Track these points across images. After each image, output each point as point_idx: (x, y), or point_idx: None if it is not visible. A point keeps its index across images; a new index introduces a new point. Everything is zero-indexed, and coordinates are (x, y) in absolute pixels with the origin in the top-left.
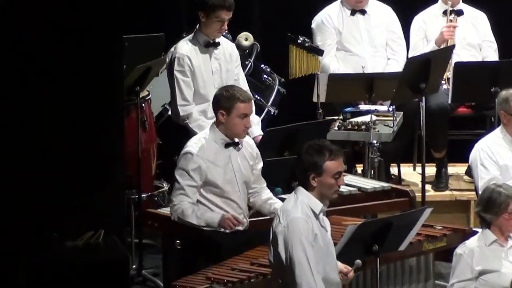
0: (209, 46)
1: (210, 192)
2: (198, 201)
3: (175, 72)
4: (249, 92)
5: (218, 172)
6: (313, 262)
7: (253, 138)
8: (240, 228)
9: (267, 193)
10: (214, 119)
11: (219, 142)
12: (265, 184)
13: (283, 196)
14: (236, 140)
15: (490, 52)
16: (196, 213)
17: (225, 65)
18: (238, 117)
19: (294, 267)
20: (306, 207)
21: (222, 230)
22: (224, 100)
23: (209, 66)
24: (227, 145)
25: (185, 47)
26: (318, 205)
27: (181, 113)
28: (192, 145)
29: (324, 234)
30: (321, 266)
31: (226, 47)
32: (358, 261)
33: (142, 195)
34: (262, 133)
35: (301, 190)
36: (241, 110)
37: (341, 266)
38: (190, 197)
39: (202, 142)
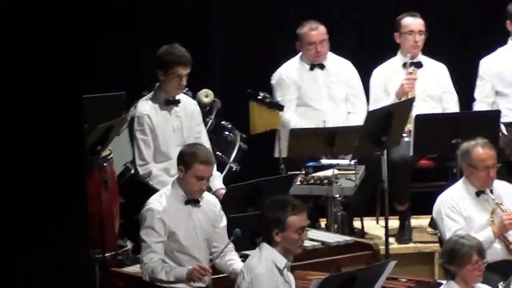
0: (169, 104)
1: (174, 250)
2: (164, 260)
3: (135, 132)
4: (212, 156)
5: (179, 229)
6: None
7: (215, 192)
8: (206, 279)
9: (232, 254)
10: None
11: (179, 199)
12: (231, 245)
13: (247, 252)
14: (197, 197)
15: (450, 103)
16: (165, 269)
17: (186, 122)
18: (194, 177)
19: None
20: (270, 263)
21: (192, 283)
22: (185, 157)
23: (170, 124)
24: (187, 202)
25: (145, 106)
26: (282, 261)
27: (141, 172)
28: (153, 202)
29: None
30: None
31: (187, 104)
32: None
33: (106, 254)
34: (223, 187)
35: (265, 246)
36: (199, 172)
37: None
38: (159, 253)
39: (163, 198)
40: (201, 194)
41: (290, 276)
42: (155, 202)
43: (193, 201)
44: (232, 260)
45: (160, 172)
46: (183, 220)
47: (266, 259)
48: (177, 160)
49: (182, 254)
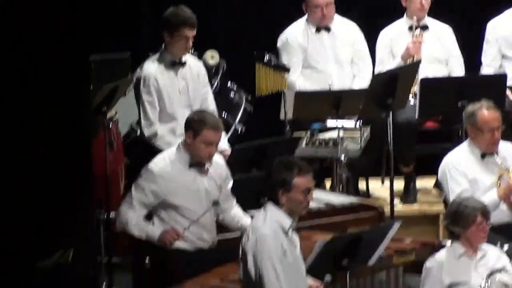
0: (175, 65)
1: (175, 212)
2: (163, 220)
3: (141, 93)
4: (221, 122)
5: (181, 192)
6: (282, 277)
7: (220, 152)
8: (182, 239)
9: (235, 209)
10: (182, 138)
11: (183, 163)
12: (234, 201)
13: (252, 212)
14: (201, 160)
15: (456, 66)
16: (138, 225)
17: (192, 84)
18: (203, 143)
19: (264, 283)
20: (275, 223)
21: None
22: (194, 123)
23: (176, 86)
24: (191, 166)
25: (151, 67)
26: (287, 221)
27: (146, 133)
28: (155, 163)
29: (293, 250)
30: (292, 281)
31: (193, 66)
32: (328, 276)
33: (110, 215)
34: (228, 148)
35: (270, 206)
36: (208, 138)
37: (311, 281)
38: (136, 211)
39: (166, 161)
40: (210, 159)
41: (295, 237)
42: (158, 165)
43: (197, 164)
44: (239, 216)
45: (165, 133)
46: (187, 184)
47: (271, 219)
48: (185, 126)
49: (183, 218)
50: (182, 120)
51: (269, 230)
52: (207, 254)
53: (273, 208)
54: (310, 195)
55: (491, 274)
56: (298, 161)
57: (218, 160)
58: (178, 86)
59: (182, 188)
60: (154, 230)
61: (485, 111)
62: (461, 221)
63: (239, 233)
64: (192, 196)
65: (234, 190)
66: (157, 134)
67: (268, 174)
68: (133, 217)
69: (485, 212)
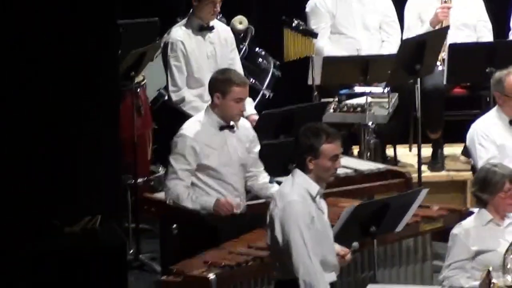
0: (203, 30)
1: (206, 175)
2: (194, 184)
3: (169, 58)
4: (242, 74)
5: (214, 155)
6: (310, 244)
7: (247, 117)
8: (237, 211)
9: (264, 177)
10: (210, 102)
11: (214, 125)
12: (262, 168)
13: (280, 179)
14: (232, 123)
15: (485, 32)
16: (191, 196)
17: (220, 49)
18: (233, 101)
19: (291, 250)
20: (303, 189)
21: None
22: (220, 83)
23: (203, 50)
24: (222, 128)
25: (178, 32)
26: (315, 188)
27: (174, 98)
28: (186, 128)
29: (321, 216)
30: (319, 248)
31: (221, 31)
32: (355, 243)
33: (138, 180)
34: (255, 112)
35: (298, 172)
36: (237, 94)
37: (339, 248)
38: (185, 180)
39: (197, 125)
40: (240, 116)
41: (323, 203)
42: (189, 129)
43: (228, 127)
44: (269, 184)
45: (193, 98)
46: (218, 147)
47: (299, 185)
48: (211, 87)
49: (216, 180)
50: None
51: (297, 196)
52: (234, 220)
53: (301, 174)
54: (338, 161)
55: None
56: (326, 127)
57: (245, 124)
58: (206, 51)
59: (216, 150)
60: (208, 200)
61: None
62: (490, 187)
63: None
64: (224, 158)
65: (261, 156)
66: (184, 99)
67: (296, 140)
68: (183, 191)
69: None
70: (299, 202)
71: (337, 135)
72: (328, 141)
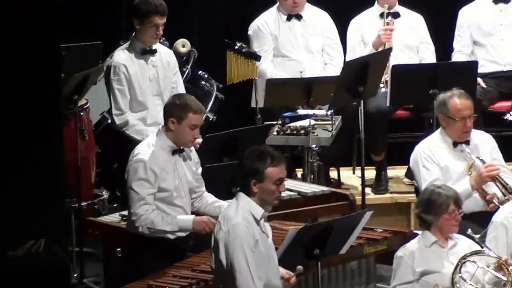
0: (145, 53)
1: (159, 200)
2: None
3: (111, 81)
4: (200, 103)
5: (169, 179)
6: (254, 268)
7: None
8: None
9: (210, 197)
10: (155, 126)
11: (166, 149)
12: (204, 188)
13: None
14: (181, 147)
15: (427, 54)
16: (166, 220)
17: (162, 72)
18: (188, 127)
19: (235, 273)
20: (247, 213)
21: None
22: (176, 109)
23: (146, 74)
24: (174, 152)
25: (121, 56)
26: (259, 211)
27: (117, 122)
28: (142, 152)
29: (265, 239)
30: (263, 271)
31: (164, 54)
32: (300, 267)
33: (82, 204)
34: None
35: (242, 195)
36: (192, 121)
37: (283, 271)
38: (152, 205)
39: (151, 148)
40: (193, 143)
41: (267, 227)
42: (145, 153)
43: (179, 151)
44: (218, 202)
45: (136, 122)
46: (171, 170)
47: (243, 208)
48: (166, 112)
49: (166, 204)
50: (153, 108)
51: (241, 219)
52: (179, 243)
53: (245, 197)
54: (282, 185)
55: (463, 260)
56: (271, 151)
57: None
58: (149, 74)
59: (169, 174)
60: (185, 219)
61: (456, 100)
62: (434, 209)
63: None
64: (175, 182)
65: (205, 179)
66: (128, 122)
67: (240, 163)
68: (156, 215)
69: (457, 200)
70: (243, 225)
71: (282, 159)
72: (272, 164)
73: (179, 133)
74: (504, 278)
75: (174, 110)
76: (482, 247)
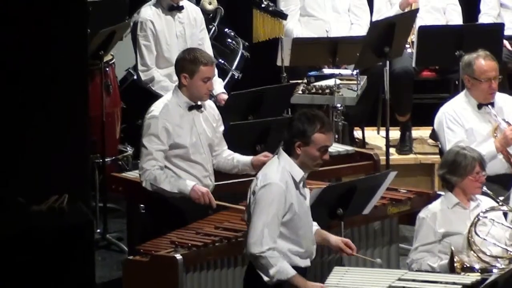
0: (173, 9)
1: (176, 156)
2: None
3: (138, 37)
4: (211, 55)
5: (185, 135)
6: (272, 230)
7: (216, 96)
8: (212, 204)
9: (227, 152)
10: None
11: (182, 106)
12: (226, 147)
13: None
14: (199, 103)
15: (454, 15)
16: (169, 179)
17: (189, 29)
18: (201, 80)
19: (250, 227)
20: (287, 173)
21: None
22: (187, 63)
23: (173, 30)
24: (190, 108)
25: (148, 12)
26: (299, 173)
27: (143, 78)
28: (156, 109)
29: (302, 202)
30: (294, 234)
31: (191, 11)
32: (379, 260)
33: (106, 159)
34: (224, 91)
35: (283, 155)
36: (205, 74)
37: (338, 240)
38: (160, 161)
39: (166, 105)
40: (208, 95)
41: (306, 190)
42: (160, 110)
43: (196, 106)
44: (232, 154)
45: (162, 78)
46: (188, 127)
47: (284, 168)
48: (178, 68)
49: (186, 161)
50: None
51: (279, 180)
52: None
53: (287, 157)
54: (326, 154)
55: (478, 218)
56: (322, 116)
57: (210, 104)
58: (176, 31)
59: (185, 130)
60: (186, 183)
61: (482, 61)
62: (459, 170)
63: (235, 178)
64: (194, 138)
65: (230, 136)
66: (154, 78)
67: (289, 122)
68: (161, 173)
69: (482, 161)
70: (279, 186)
71: (331, 127)
72: (321, 131)
73: (192, 87)
74: None
75: (185, 65)
76: (497, 203)
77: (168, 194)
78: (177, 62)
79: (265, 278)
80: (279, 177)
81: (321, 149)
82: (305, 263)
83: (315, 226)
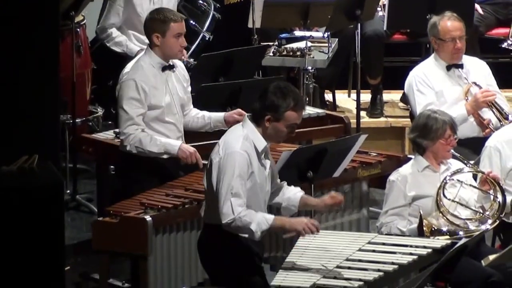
0: None
1: (151, 117)
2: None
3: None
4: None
5: (160, 95)
6: (239, 193)
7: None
8: (200, 162)
9: (194, 110)
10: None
11: (156, 66)
12: (192, 106)
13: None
14: (171, 62)
15: None
16: (154, 141)
17: None
18: (173, 37)
19: (219, 196)
20: (249, 142)
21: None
22: (158, 23)
23: None
24: (164, 69)
25: None
26: (262, 143)
27: (99, 34)
28: (132, 71)
29: (262, 172)
30: (252, 201)
31: None
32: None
33: (76, 120)
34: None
35: (249, 123)
36: (176, 30)
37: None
38: (141, 125)
39: (141, 66)
40: (182, 52)
41: (267, 161)
42: (134, 71)
43: (169, 67)
44: (200, 112)
45: (116, 33)
46: (162, 87)
47: (246, 138)
48: (149, 30)
49: (160, 122)
50: None
51: (240, 148)
52: (174, 162)
53: (252, 126)
54: (294, 130)
55: (446, 180)
56: (297, 94)
57: (181, 64)
58: None
59: (160, 91)
60: (172, 143)
61: (447, 21)
62: (430, 134)
63: (206, 141)
64: (167, 99)
65: (201, 98)
66: (109, 34)
67: (263, 94)
68: (145, 135)
69: (453, 125)
70: (240, 153)
71: (304, 106)
72: (294, 109)
73: (165, 45)
74: (491, 193)
75: (155, 25)
76: (466, 165)
77: (154, 155)
78: (146, 24)
79: (251, 237)
80: (240, 145)
81: (290, 126)
82: None
83: (299, 192)
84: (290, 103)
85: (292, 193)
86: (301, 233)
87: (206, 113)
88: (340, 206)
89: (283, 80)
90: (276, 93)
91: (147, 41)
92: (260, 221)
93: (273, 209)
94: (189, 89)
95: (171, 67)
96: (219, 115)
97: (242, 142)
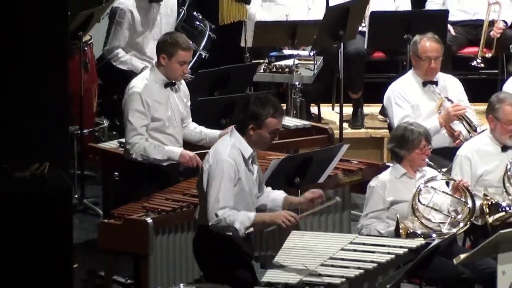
0: (153, 1)
1: (153, 129)
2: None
3: (115, 22)
4: (190, 42)
5: (161, 109)
6: (227, 198)
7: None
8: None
9: (193, 125)
10: (154, 60)
11: (159, 82)
12: (191, 120)
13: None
14: (173, 80)
15: (403, 1)
16: (158, 149)
17: (165, 18)
18: (177, 63)
19: (208, 200)
20: (236, 150)
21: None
22: (167, 46)
23: (150, 20)
24: (166, 85)
25: (130, 0)
26: (248, 151)
27: (106, 54)
28: (136, 86)
29: (249, 177)
30: (241, 207)
31: (168, 2)
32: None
33: (84, 131)
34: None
35: (235, 134)
36: (182, 58)
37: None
38: (145, 135)
39: (144, 82)
40: (182, 77)
41: (254, 166)
42: (139, 86)
43: (171, 84)
44: (198, 127)
45: (122, 53)
46: (164, 102)
47: (233, 145)
48: (159, 49)
49: (160, 133)
50: (150, 51)
51: (228, 156)
52: (173, 169)
53: (238, 136)
54: (276, 135)
55: (421, 186)
56: (276, 102)
57: (182, 81)
58: (153, 20)
59: (162, 105)
60: (173, 150)
61: (426, 41)
62: (406, 144)
63: (204, 149)
64: (169, 113)
65: (198, 111)
66: (115, 55)
67: (244, 105)
68: (149, 143)
69: (428, 136)
70: (228, 161)
71: (283, 112)
72: (274, 116)
73: (169, 68)
74: (462, 199)
75: (165, 46)
76: (439, 171)
77: (157, 162)
78: (158, 43)
79: (236, 234)
80: (228, 153)
81: (272, 132)
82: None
83: (282, 193)
84: (270, 110)
85: (276, 194)
86: (281, 225)
87: (203, 129)
88: (323, 198)
89: (265, 93)
90: (256, 103)
91: (146, 61)
92: (243, 219)
93: (260, 211)
94: (189, 103)
95: (173, 84)
96: (215, 132)
97: (230, 151)
